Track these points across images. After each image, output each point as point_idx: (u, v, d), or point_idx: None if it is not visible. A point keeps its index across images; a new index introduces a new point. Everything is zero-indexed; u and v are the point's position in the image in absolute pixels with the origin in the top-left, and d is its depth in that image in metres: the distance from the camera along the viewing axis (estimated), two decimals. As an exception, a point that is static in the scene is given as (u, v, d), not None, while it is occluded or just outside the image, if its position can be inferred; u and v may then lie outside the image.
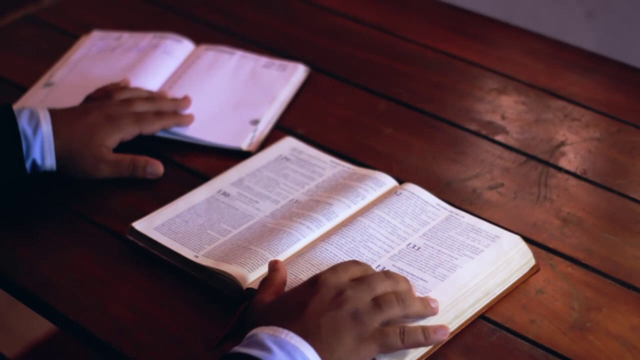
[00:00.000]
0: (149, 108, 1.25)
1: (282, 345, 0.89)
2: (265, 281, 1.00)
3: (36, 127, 1.15)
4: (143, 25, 1.49)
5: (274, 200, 1.16)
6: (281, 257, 1.06)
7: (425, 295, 1.01)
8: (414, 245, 1.08)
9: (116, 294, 1.07)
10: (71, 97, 1.31)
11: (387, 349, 0.94)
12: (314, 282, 0.96)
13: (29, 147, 1.15)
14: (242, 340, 0.92)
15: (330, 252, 1.06)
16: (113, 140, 1.20)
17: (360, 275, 0.98)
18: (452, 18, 1.53)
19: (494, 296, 1.04)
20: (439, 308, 1.00)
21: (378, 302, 0.95)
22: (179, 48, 1.42)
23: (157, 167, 1.21)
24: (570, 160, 1.24)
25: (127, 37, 1.45)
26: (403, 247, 1.08)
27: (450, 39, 1.47)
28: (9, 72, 1.42)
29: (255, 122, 1.30)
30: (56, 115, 1.18)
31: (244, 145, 1.26)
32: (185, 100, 1.30)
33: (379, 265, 1.06)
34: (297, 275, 1.03)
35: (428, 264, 1.05)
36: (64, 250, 1.13)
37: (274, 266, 1.01)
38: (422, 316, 0.98)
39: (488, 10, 1.57)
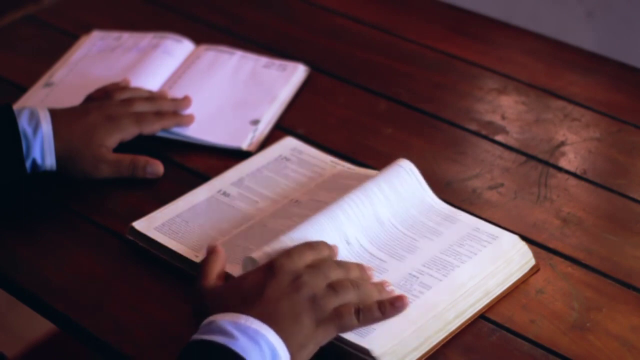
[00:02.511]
0: (149, 108, 1.25)
1: (243, 330, 0.90)
2: (206, 266, 1.00)
3: (36, 127, 1.15)
4: (143, 25, 1.49)
5: (274, 200, 1.16)
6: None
7: (429, 290, 1.01)
8: (414, 245, 1.08)
9: (116, 294, 1.07)
10: (71, 97, 1.31)
11: (345, 329, 0.96)
12: (270, 268, 0.97)
13: (29, 147, 1.15)
14: (200, 329, 0.93)
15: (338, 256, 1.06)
16: (113, 140, 1.20)
17: (313, 261, 0.99)
18: (452, 18, 1.53)
19: (494, 296, 1.04)
20: (440, 307, 1.00)
21: (333, 287, 0.97)
22: (179, 48, 1.42)
23: (157, 167, 1.21)
24: (570, 160, 1.24)
25: (127, 37, 1.45)
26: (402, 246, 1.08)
27: (450, 39, 1.47)
28: (9, 72, 1.42)
29: (255, 122, 1.30)
30: (56, 115, 1.18)
31: (244, 145, 1.26)
32: (186, 101, 1.30)
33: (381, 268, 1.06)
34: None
35: (428, 263, 1.05)
36: (64, 250, 1.13)
37: (212, 249, 1.02)
38: (377, 298, 0.99)
39: (488, 10, 1.57)
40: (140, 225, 1.12)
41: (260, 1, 1.57)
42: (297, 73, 1.39)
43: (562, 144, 1.27)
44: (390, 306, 0.98)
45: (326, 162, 1.22)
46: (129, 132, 1.22)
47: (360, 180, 1.16)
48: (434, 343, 0.99)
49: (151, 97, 1.28)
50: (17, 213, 1.18)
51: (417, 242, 1.08)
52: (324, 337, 0.95)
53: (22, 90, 1.36)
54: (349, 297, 0.97)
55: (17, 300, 1.10)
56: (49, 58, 1.43)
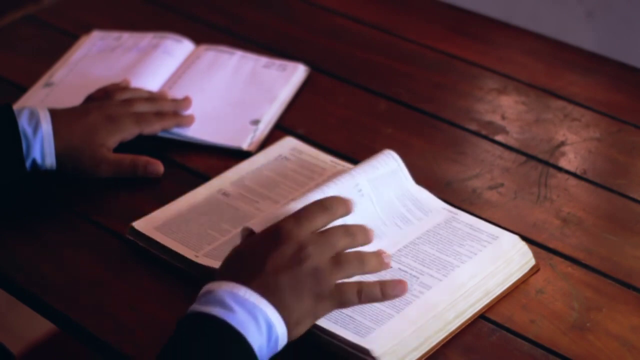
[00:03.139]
0: (150, 108, 1.25)
1: (242, 304, 0.90)
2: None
3: (36, 127, 1.16)
4: (143, 25, 1.49)
5: (274, 200, 1.16)
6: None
7: (429, 290, 1.01)
8: (413, 245, 1.08)
9: (116, 294, 1.07)
10: (71, 97, 1.31)
11: (344, 305, 0.95)
12: (277, 234, 0.95)
13: (29, 147, 1.15)
14: (199, 297, 0.92)
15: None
16: (113, 140, 1.20)
17: (322, 227, 0.97)
18: (452, 18, 1.53)
19: (494, 296, 1.04)
20: (440, 307, 1.00)
21: (337, 261, 0.95)
22: (179, 48, 1.42)
23: (157, 167, 1.21)
24: (570, 160, 1.24)
25: (127, 37, 1.45)
26: (402, 246, 1.08)
27: (450, 39, 1.47)
28: (9, 72, 1.42)
29: (255, 122, 1.30)
30: (56, 115, 1.18)
31: (244, 145, 1.26)
32: (186, 101, 1.30)
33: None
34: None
35: (427, 263, 1.05)
36: (64, 250, 1.13)
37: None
38: (378, 271, 0.98)
39: (488, 10, 1.57)
40: (140, 225, 1.12)
41: (260, 1, 1.57)
42: (297, 73, 1.39)
43: (562, 144, 1.27)
44: (391, 289, 0.97)
45: (326, 162, 1.22)
46: (129, 132, 1.22)
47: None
48: (434, 343, 0.99)
49: (151, 97, 1.28)
50: (17, 213, 1.18)
51: (386, 228, 1.08)
52: (322, 312, 0.94)
53: (22, 90, 1.36)
54: (352, 271, 0.96)
55: (17, 300, 1.10)
56: (49, 58, 1.43)
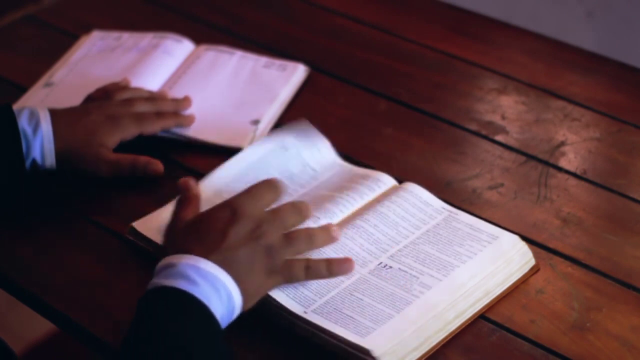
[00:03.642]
0: (150, 108, 1.25)
1: (204, 276, 0.93)
2: (183, 200, 1.04)
3: (36, 127, 1.16)
4: (143, 25, 1.49)
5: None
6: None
7: (429, 290, 1.02)
8: (413, 245, 1.08)
9: (116, 294, 1.07)
10: (71, 97, 1.31)
11: (292, 280, 1.01)
12: (233, 210, 1.00)
13: (29, 147, 1.15)
14: (159, 270, 0.95)
15: (328, 254, 1.06)
16: (113, 140, 1.20)
17: (272, 205, 1.02)
18: (452, 18, 1.53)
19: (493, 296, 1.04)
20: (440, 307, 1.00)
21: (289, 237, 1.01)
22: (179, 48, 1.42)
23: (157, 167, 1.21)
24: (570, 160, 1.24)
25: (127, 37, 1.45)
26: (402, 246, 1.08)
27: (450, 39, 1.47)
28: (9, 72, 1.42)
29: (255, 122, 1.30)
30: (56, 115, 1.18)
31: (245, 145, 1.26)
32: (186, 101, 1.30)
33: (380, 263, 1.06)
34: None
35: (427, 263, 1.05)
36: (64, 250, 1.13)
37: (186, 184, 1.06)
38: (326, 245, 1.04)
39: (488, 10, 1.57)
40: (140, 225, 1.12)
41: (260, 1, 1.57)
42: (297, 73, 1.39)
43: (562, 144, 1.27)
44: (337, 266, 1.02)
45: (327, 162, 1.22)
46: (129, 132, 1.22)
47: (361, 180, 1.16)
48: (434, 343, 1.00)
49: (151, 97, 1.28)
50: (17, 213, 1.18)
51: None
52: (271, 285, 1.00)
53: (22, 90, 1.36)
54: (302, 247, 1.01)
55: (17, 300, 1.10)
56: (49, 58, 1.43)
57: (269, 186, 1.03)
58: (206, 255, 0.95)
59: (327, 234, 1.04)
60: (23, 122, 1.16)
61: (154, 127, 1.24)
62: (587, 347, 1.00)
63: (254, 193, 1.02)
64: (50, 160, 1.16)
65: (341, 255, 1.06)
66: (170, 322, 0.92)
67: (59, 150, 1.16)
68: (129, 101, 1.25)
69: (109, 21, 1.52)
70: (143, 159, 1.21)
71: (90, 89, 1.30)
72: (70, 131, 1.18)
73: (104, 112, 1.21)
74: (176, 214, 1.03)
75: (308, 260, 1.02)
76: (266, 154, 1.21)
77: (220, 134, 1.28)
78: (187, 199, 1.05)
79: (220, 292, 0.94)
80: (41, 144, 1.15)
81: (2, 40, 1.50)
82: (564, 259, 1.10)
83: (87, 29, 1.48)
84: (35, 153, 1.15)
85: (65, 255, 1.12)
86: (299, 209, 1.03)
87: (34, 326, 2.07)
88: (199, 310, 0.92)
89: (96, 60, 1.41)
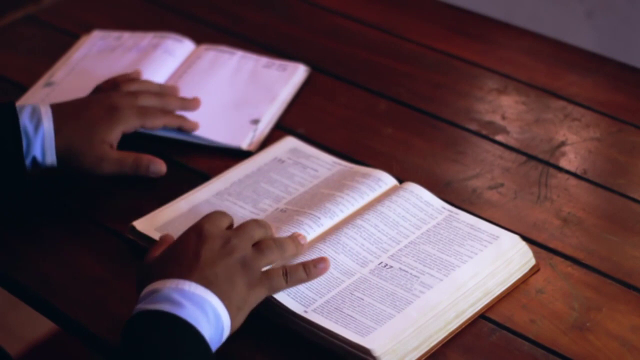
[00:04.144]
0: (155, 103, 1.24)
1: (190, 298, 0.93)
2: (153, 246, 1.04)
3: (37, 124, 1.15)
4: (143, 25, 1.49)
5: (275, 199, 1.16)
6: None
7: (429, 290, 1.02)
8: (414, 245, 1.08)
9: (116, 293, 1.07)
10: (71, 97, 1.31)
11: (275, 290, 1.00)
12: (199, 233, 1.00)
13: (29, 144, 1.14)
14: (141, 298, 0.94)
15: (328, 253, 1.06)
16: (114, 134, 1.19)
17: (230, 225, 1.04)
18: (452, 18, 1.53)
19: (494, 296, 1.05)
20: (440, 307, 1.01)
21: (259, 248, 1.01)
22: (180, 48, 1.42)
23: (160, 166, 1.20)
24: (570, 160, 1.24)
25: (127, 37, 1.45)
26: (402, 246, 1.08)
27: (450, 39, 1.47)
28: (9, 72, 1.42)
29: (255, 122, 1.30)
30: (58, 110, 1.17)
31: (244, 144, 1.26)
32: (194, 102, 1.29)
33: (380, 263, 1.06)
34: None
35: (428, 263, 1.06)
36: (64, 250, 1.13)
37: (164, 237, 1.06)
38: (297, 254, 1.04)
39: (488, 10, 1.57)
40: (140, 224, 1.12)
41: (260, 1, 1.57)
42: (298, 73, 1.39)
43: (562, 144, 1.27)
44: (314, 268, 1.02)
45: (326, 161, 1.22)
46: (129, 124, 1.20)
47: (361, 179, 1.16)
48: (434, 343, 1.00)
49: (160, 92, 1.27)
50: (17, 211, 1.18)
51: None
52: (256, 299, 0.99)
53: (22, 89, 1.36)
54: (274, 255, 1.01)
55: (18, 300, 1.10)
56: (49, 58, 1.43)
57: (222, 214, 1.04)
58: (186, 277, 0.95)
59: (295, 242, 1.04)
60: (25, 119, 1.15)
61: (155, 123, 1.23)
62: (587, 347, 1.00)
63: (211, 216, 1.03)
64: (50, 158, 1.15)
65: (341, 255, 1.06)
66: (158, 346, 0.90)
67: (60, 148, 1.16)
68: (135, 93, 1.23)
69: (109, 21, 1.52)
70: (146, 157, 1.20)
71: (91, 88, 1.30)
72: (71, 127, 1.17)
73: (105, 103, 1.19)
74: (146, 255, 1.03)
75: (285, 267, 1.01)
76: (261, 166, 1.21)
77: (220, 133, 1.28)
78: (158, 241, 1.05)
79: (207, 312, 0.93)
80: (42, 141, 1.15)
81: (2, 40, 1.50)
82: (564, 259, 1.10)
83: (87, 29, 1.48)
84: (36, 151, 1.15)
85: (65, 254, 1.12)
86: (262, 223, 1.04)
87: (34, 326, 2.07)
88: (187, 332, 0.91)
89: (96, 60, 1.41)
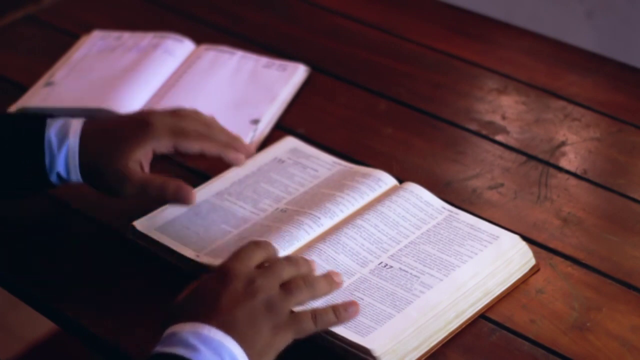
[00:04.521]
0: (197, 127, 1.13)
1: (207, 343, 0.89)
2: (191, 283, 0.98)
3: (63, 140, 1.09)
4: (143, 25, 1.49)
5: (275, 199, 1.16)
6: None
7: (429, 290, 1.02)
8: (414, 245, 1.08)
9: (117, 293, 1.07)
10: (71, 97, 1.31)
11: (302, 333, 0.95)
12: (222, 274, 0.94)
13: (52, 160, 1.09)
14: (161, 340, 0.91)
15: (328, 253, 1.06)
16: (142, 151, 1.09)
17: (264, 261, 0.97)
18: (452, 18, 1.53)
19: (494, 296, 1.05)
20: (440, 307, 1.00)
21: (287, 288, 0.95)
22: (180, 48, 1.42)
23: (190, 197, 1.09)
24: (570, 160, 1.24)
25: (127, 37, 1.45)
26: (402, 246, 1.08)
27: (450, 39, 1.47)
28: (9, 71, 1.42)
29: (255, 122, 1.30)
30: (89, 125, 1.10)
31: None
32: (248, 147, 1.16)
33: (380, 263, 1.06)
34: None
35: (428, 263, 1.06)
36: (64, 249, 1.13)
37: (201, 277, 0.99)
38: (329, 293, 0.98)
39: (488, 10, 1.57)
40: (141, 224, 1.12)
41: (260, 1, 1.57)
42: (298, 73, 1.39)
43: (563, 144, 1.27)
44: (344, 312, 0.96)
45: (326, 161, 1.22)
46: (161, 142, 1.09)
47: (361, 179, 1.16)
48: (434, 343, 1.00)
49: (208, 122, 1.15)
50: (17, 212, 1.18)
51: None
52: (282, 342, 0.93)
53: (22, 89, 1.36)
54: (303, 296, 0.95)
55: (17, 300, 1.10)
56: (49, 58, 1.43)
57: (257, 246, 0.98)
58: (206, 320, 0.91)
59: (328, 281, 0.98)
60: (51, 134, 1.09)
61: (191, 145, 1.10)
62: (587, 347, 1.00)
63: (241, 254, 0.97)
64: (75, 175, 1.09)
65: (341, 255, 1.06)
66: None
67: (84, 166, 1.09)
68: (175, 113, 1.13)
69: (109, 21, 1.52)
70: (174, 183, 1.09)
71: (91, 88, 1.30)
72: (97, 143, 1.09)
73: (138, 119, 1.11)
74: (179, 294, 0.97)
75: (315, 309, 0.96)
76: (262, 166, 1.21)
77: (221, 133, 1.28)
78: (193, 282, 0.98)
79: (224, 358, 0.88)
80: (65, 158, 1.09)
81: (2, 40, 1.50)
82: (564, 259, 1.10)
83: (87, 29, 1.48)
84: (60, 167, 1.09)
85: (65, 254, 1.12)
86: (294, 261, 0.98)
87: (34, 326, 2.07)
88: None
89: (97, 59, 1.41)
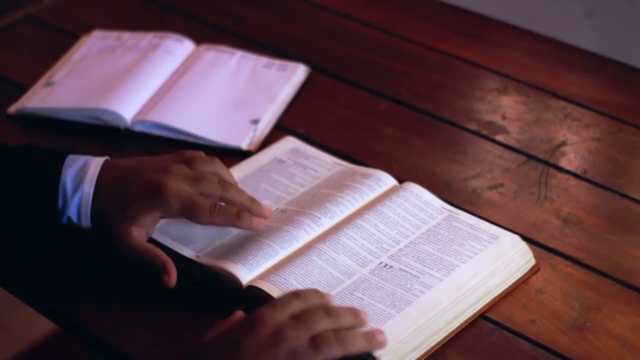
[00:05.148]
0: (217, 191, 1.07)
1: None
2: (223, 320, 0.97)
3: (78, 185, 1.05)
4: (143, 25, 1.49)
5: (275, 200, 1.16)
6: (280, 257, 1.06)
7: (429, 290, 1.02)
8: (414, 245, 1.08)
9: (116, 293, 1.07)
10: (71, 97, 1.31)
11: None
12: (252, 320, 0.91)
13: (65, 204, 1.05)
14: None
15: (328, 253, 1.06)
16: (148, 218, 1.05)
17: (300, 311, 0.92)
18: (452, 18, 1.53)
19: (494, 296, 1.05)
20: (440, 307, 1.00)
21: (316, 342, 0.89)
22: (180, 48, 1.42)
23: (169, 280, 1.04)
24: (570, 160, 1.24)
25: (127, 37, 1.45)
26: (402, 246, 1.08)
27: (450, 39, 1.47)
28: (9, 71, 1.42)
29: (255, 122, 1.30)
30: (105, 175, 1.06)
31: (244, 144, 1.26)
32: (266, 209, 1.09)
33: (380, 263, 1.06)
34: (287, 280, 1.03)
35: (428, 263, 1.06)
36: (64, 249, 1.12)
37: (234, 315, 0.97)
38: (365, 351, 0.94)
39: (488, 10, 1.57)
40: (140, 225, 1.12)
41: (260, 1, 1.57)
42: (298, 73, 1.39)
43: (563, 144, 1.27)
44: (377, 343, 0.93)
45: (326, 161, 1.22)
46: (169, 212, 1.05)
47: (361, 180, 1.16)
48: (434, 343, 1.00)
49: (225, 184, 1.08)
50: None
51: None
52: None
53: (22, 90, 1.36)
54: (333, 352, 0.90)
55: (17, 300, 1.10)
56: (49, 58, 1.43)
57: (296, 295, 0.93)
58: None
59: (368, 339, 0.93)
60: (68, 177, 1.05)
61: (200, 220, 1.05)
62: (587, 347, 1.00)
63: (277, 303, 0.92)
64: (85, 222, 1.06)
65: (341, 256, 1.06)
66: None
67: (95, 217, 1.06)
68: (195, 178, 1.06)
69: (109, 21, 1.52)
70: (162, 263, 1.04)
71: (91, 88, 1.30)
72: (110, 198, 1.05)
73: (155, 182, 1.05)
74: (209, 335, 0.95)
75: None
76: (262, 166, 1.21)
77: (220, 133, 1.28)
78: (226, 319, 0.97)
79: None
80: (78, 205, 1.05)
81: (2, 40, 1.50)
82: (564, 259, 1.10)
83: (87, 29, 1.48)
84: (72, 212, 1.06)
85: (65, 254, 1.12)
86: (335, 313, 0.92)
87: (34, 326, 2.07)
88: None
89: (97, 59, 1.41)
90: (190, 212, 1.04)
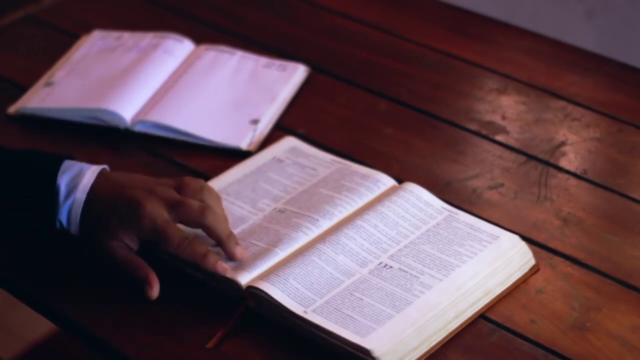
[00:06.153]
0: (194, 219, 1.07)
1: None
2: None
3: (71, 192, 1.07)
4: (143, 25, 1.49)
5: (274, 199, 1.16)
6: (279, 258, 1.06)
7: (429, 290, 1.02)
8: (413, 245, 1.08)
9: (116, 293, 1.07)
10: (71, 97, 1.31)
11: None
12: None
13: (57, 208, 1.07)
14: None
15: (327, 253, 1.06)
16: (125, 235, 1.07)
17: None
18: (452, 18, 1.53)
19: (494, 296, 1.05)
20: (440, 307, 1.00)
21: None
22: (180, 48, 1.42)
23: (151, 292, 1.05)
24: (570, 160, 1.24)
25: (127, 37, 1.45)
26: (402, 246, 1.08)
27: (450, 39, 1.47)
28: (9, 71, 1.42)
29: (255, 122, 1.30)
30: (97, 185, 1.08)
31: (244, 144, 1.26)
32: (234, 245, 1.07)
33: (380, 263, 1.06)
34: (286, 280, 1.03)
35: (427, 263, 1.06)
36: (64, 249, 1.12)
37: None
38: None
39: (488, 10, 1.57)
40: (140, 225, 1.12)
41: (260, 1, 1.57)
42: (297, 73, 1.39)
43: (563, 144, 1.27)
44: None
45: (326, 161, 1.22)
46: (143, 235, 1.06)
47: (360, 181, 1.16)
48: (434, 343, 1.00)
49: (204, 213, 1.07)
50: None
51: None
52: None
53: (22, 90, 1.36)
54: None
55: (17, 300, 1.10)
56: (49, 58, 1.43)
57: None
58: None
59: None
60: (62, 182, 1.07)
61: (171, 249, 1.06)
62: (587, 347, 1.00)
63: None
64: (74, 228, 1.08)
65: (341, 256, 1.06)
66: None
67: (84, 224, 1.08)
68: (177, 204, 1.07)
69: (109, 21, 1.52)
70: (144, 274, 1.06)
71: (91, 88, 1.30)
72: (99, 210, 1.07)
73: (136, 199, 1.06)
74: None
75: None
76: (260, 165, 1.21)
77: (220, 133, 1.28)
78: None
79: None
80: (68, 211, 1.07)
81: (2, 40, 1.50)
82: (564, 259, 1.10)
83: (87, 29, 1.48)
84: (62, 217, 1.07)
85: (65, 254, 1.12)
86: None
87: (34, 326, 2.07)
88: None
89: (97, 60, 1.41)
90: (159, 238, 1.06)
